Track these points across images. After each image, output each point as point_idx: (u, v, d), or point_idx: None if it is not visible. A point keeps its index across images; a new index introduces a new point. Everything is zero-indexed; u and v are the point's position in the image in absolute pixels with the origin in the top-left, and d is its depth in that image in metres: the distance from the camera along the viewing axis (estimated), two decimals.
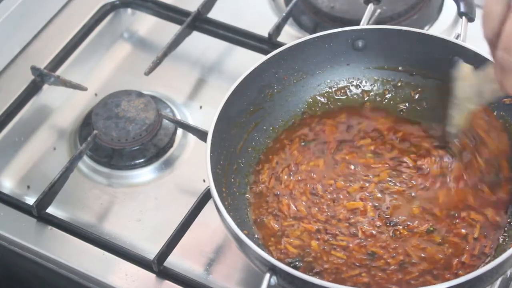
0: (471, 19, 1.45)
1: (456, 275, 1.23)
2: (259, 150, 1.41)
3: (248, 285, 1.35)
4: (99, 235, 1.41)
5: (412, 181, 1.34)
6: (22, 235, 1.42)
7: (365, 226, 1.30)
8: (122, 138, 1.50)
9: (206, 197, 1.38)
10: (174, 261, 1.37)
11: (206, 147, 1.30)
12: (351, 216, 1.31)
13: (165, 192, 1.48)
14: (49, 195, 1.43)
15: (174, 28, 1.64)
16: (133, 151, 1.51)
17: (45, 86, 1.60)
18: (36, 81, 1.60)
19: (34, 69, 1.59)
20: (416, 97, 1.45)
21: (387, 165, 1.37)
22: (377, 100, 1.46)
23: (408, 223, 1.30)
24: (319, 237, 1.29)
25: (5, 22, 1.62)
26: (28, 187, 1.50)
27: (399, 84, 1.46)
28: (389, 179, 1.35)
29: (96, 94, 1.62)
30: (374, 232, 1.29)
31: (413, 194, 1.33)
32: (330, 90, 1.46)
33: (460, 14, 1.45)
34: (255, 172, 1.39)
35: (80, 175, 1.51)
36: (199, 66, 1.66)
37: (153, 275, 1.36)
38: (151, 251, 1.37)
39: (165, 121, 1.53)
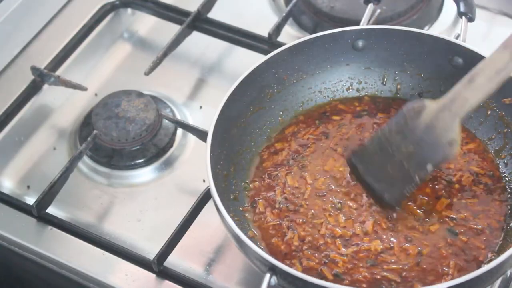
0: (471, 19, 1.45)
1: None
2: (259, 149, 1.41)
3: (248, 285, 1.35)
4: (99, 235, 1.41)
5: None
6: (22, 235, 1.42)
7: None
8: (122, 138, 1.50)
9: (206, 197, 1.38)
10: (174, 261, 1.37)
11: (206, 147, 1.30)
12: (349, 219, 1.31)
13: (165, 192, 1.48)
14: (49, 195, 1.43)
15: (174, 28, 1.64)
16: (133, 151, 1.51)
17: (45, 86, 1.60)
18: (36, 81, 1.60)
19: (34, 69, 1.59)
20: (416, 97, 1.45)
21: None
22: (377, 100, 1.46)
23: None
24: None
25: (5, 22, 1.62)
26: (28, 187, 1.50)
27: (398, 85, 1.46)
28: None
29: (96, 94, 1.62)
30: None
31: None
32: (330, 90, 1.46)
33: (460, 14, 1.45)
34: (255, 171, 1.39)
35: (80, 175, 1.51)
36: (199, 66, 1.66)
37: (153, 275, 1.36)
38: (151, 251, 1.37)
39: (165, 121, 1.53)
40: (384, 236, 1.28)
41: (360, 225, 1.29)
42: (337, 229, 1.29)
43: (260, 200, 1.35)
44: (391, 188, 1.30)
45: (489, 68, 1.25)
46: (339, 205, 1.32)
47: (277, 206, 1.33)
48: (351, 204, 1.32)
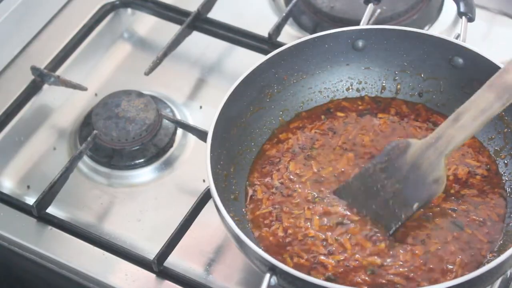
0: (471, 19, 1.45)
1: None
2: (259, 148, 1.41)
3: (248, 285, 1.35)
4: (99, 235, 1.41)
5: None
6: (22, 235, 1.42)
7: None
8: (122, 138, 1.50)
9: (206, 197, 1.38)
10: (174, 261, 1.37)
11: (206, 147, 1.30)
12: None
13: (165, 192, 1.48)
14: (49, 195, 1.43)
15: (174, 28, 1.64)
16: (133, 151, 1.51)
17: (45, 86, 1.60)
18: (36, 81, 1.60)
19: (34, 69, 1.59)
20: (416, 97, 1.45)
21: None
22: (377, 101, 1.46)
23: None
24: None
25: (5, 22, 1.62)
26: (28, 187, 1.51)
27: (398, 85, 1.46)
28: None
29: (96, 94, 1.62)
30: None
31: None
32: (330, 90, 1.46)
33: (460, 14, 1.45)
34: (256, 164, 1.38)
35: (80, 175, 1.51)
36: (199, 66, 1.66)
37: (153, 275, 1.36)
38: (151, 251, 1.37)
39: (165, 121, 1.53)
40: (381, 252, 1.27)
41: (332, 236, 1.28)
42: (311, 230, 1.29)
43: (258, 187, 1.35)
44: (378, 221, 1.29)
45: (474, 107, 1.27)
46: (317, 199, 1.32)
47: (273, 191, 1.33)
48: (331, 210, 1.32)
